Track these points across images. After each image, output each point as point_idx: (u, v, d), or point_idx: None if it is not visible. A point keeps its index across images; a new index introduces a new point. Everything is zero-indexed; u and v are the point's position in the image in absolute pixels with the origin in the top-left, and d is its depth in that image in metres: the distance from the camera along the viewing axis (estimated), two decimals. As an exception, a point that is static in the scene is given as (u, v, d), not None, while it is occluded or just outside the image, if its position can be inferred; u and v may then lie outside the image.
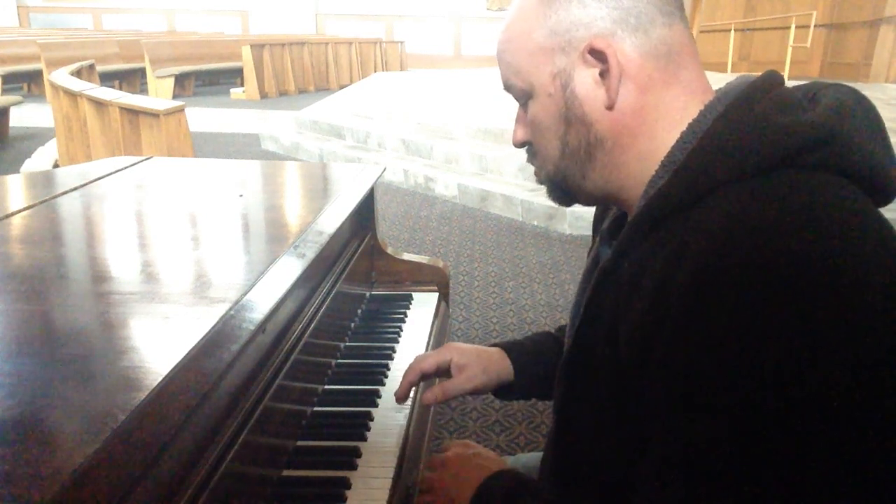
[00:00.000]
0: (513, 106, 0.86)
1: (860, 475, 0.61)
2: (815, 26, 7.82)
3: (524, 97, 0.83)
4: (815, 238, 0.62)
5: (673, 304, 0.64)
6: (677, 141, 0.75)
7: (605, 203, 0.91)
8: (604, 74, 0.76)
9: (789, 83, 0.77)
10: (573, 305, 0.95)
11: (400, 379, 1.13)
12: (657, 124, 0.77)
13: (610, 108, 0.77)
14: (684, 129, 0.75)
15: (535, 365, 1.14)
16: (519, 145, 0.88)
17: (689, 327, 0.63)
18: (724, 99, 0.75)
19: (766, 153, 0.68)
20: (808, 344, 0.59)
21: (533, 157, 0.87)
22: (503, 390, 1.14)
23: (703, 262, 0.63)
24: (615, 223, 0.91)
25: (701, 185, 0.70)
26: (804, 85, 0.79)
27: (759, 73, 0.77)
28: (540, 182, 0.88)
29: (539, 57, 0.79)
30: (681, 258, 0.66)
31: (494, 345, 1.17)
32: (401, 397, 1.12)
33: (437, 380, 1.17)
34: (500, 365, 1.12)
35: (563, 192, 0.86)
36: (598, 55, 0.76)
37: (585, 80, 0.77)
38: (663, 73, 0.76)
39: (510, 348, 1.15)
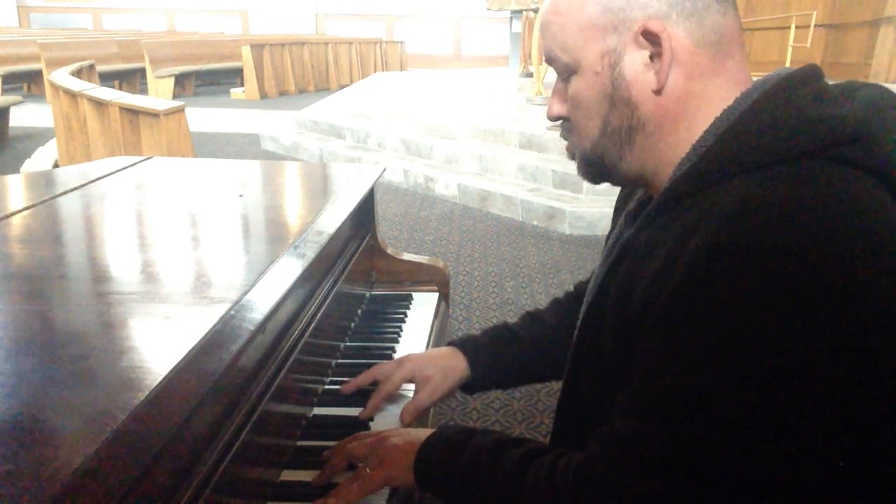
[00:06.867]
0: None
1: (818, 450, 0.64)
2: (815, 26, 7.80)
3: (567, 72, 0.81)
4: (824, 230, 0.63)
5: (679, 270, 0.66)
6: (710, 125, 0.75)
7: (635, 185, 0.90)
8: (654, 58, 0.76)
9: None
10: (590, 284, 0.95)
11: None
12: (698, 112, 0.77)
13: (658, 92, 0.76)
14: (718, 115, 0.75)
15: (490, 358, 1.16)
16: (554, 119, 0.87)
17: (689, 292, 0.65)
18: (761, 88, 0.75)
19: (795, 143, 0.68)
20: (792, 330, 0.61)
21: (568, 132, 0.86)
22: (465, 386, 1.17)
23: (713, 237, 0.65)
24: (640, 205, 0.91)
25: (726, 168, 0.71)
26: (841, 83, 0.79)
27: (799, 66, 0.77)
28: (572, 158, 0.88)
29: (589, 33, 0.77)
30: (693, 232, 0.67)
31: (450, 343, 1.19)
32: (368, 415, 1.14)
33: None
34: (458, 366, 1.15)
35: (598, 170, 0.85)
36: (651, 38, 0.75)
37: (635, 62, 0.76)
38: (711, 62, 0.76)
39: (464, 345, 1.17)
